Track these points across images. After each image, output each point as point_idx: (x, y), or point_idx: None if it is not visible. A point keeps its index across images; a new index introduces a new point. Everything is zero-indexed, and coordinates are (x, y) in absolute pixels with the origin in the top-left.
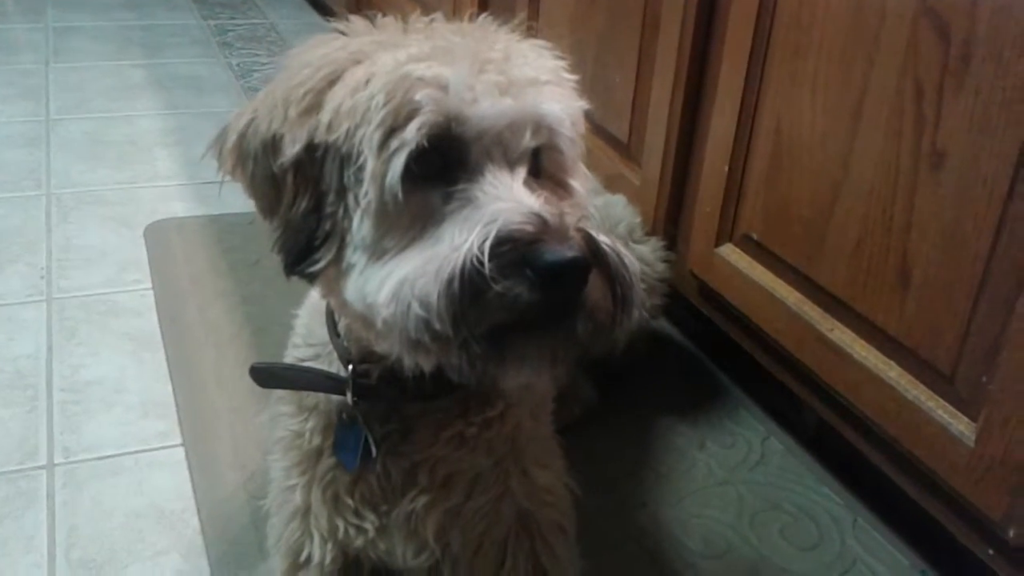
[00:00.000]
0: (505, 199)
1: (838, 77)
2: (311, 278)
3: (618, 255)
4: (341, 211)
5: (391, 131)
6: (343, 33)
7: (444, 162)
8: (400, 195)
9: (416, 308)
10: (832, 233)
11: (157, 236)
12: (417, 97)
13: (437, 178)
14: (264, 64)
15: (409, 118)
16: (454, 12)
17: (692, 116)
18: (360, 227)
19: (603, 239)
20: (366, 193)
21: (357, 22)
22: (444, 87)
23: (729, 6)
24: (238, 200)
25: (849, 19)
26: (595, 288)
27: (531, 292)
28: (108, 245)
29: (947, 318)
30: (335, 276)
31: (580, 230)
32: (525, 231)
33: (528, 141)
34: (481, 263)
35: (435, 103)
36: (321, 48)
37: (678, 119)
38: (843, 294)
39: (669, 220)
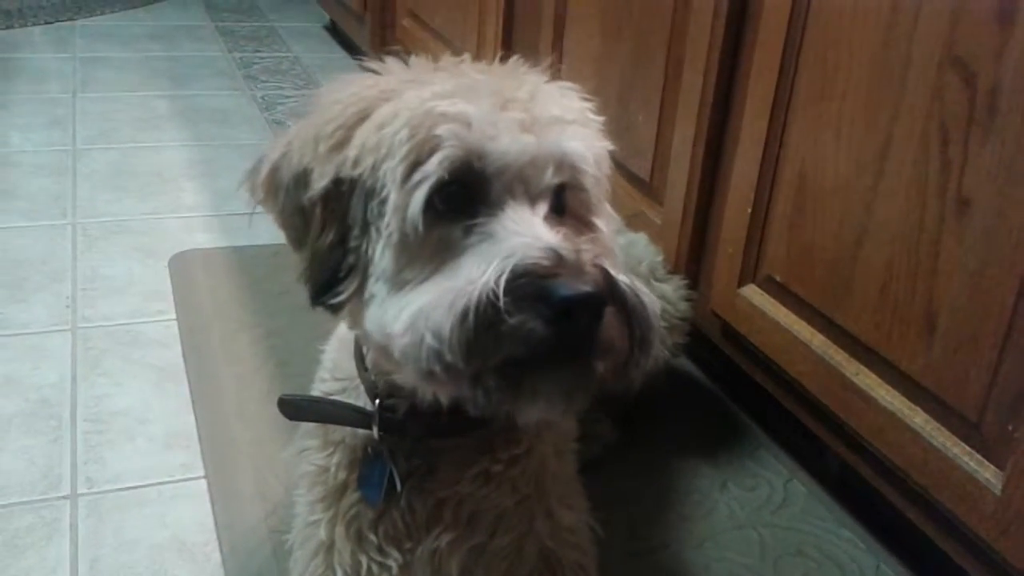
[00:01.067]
0: (523, 234)
1: (863, 121)
2: (334, 309)
3: (636, 294)
4: (365, 244)
5: (414, 165)
6: (376, 72)
7: (466, 197)
8: (421, 227)
9: (429, 339)
10: (857, 277)
11: (182, 267)
12: (439, 132)
13: (459, 212)
14: (289, 97)
15: (432, 152)
16: (478, 50)
17: (715, 156)
18: (382, 259)
19: (622, 277)
20: (388, 225)
21: (390, 61)
22: (467, 123)
23: (754, 48)
24: (263, 232)
25: (875, 64)
26: (611, 326)
27: (545, 327)
28: (133, 275)
29: (973, 365)
30: (358, 308)
31: (597, 266)
32: (541, 265)
33: (550, 178)
34: (496, 296)
35: (457, 138)
36: (353, 86)
37: (701, 159)
38: (868, 338)
39: (691, 260)
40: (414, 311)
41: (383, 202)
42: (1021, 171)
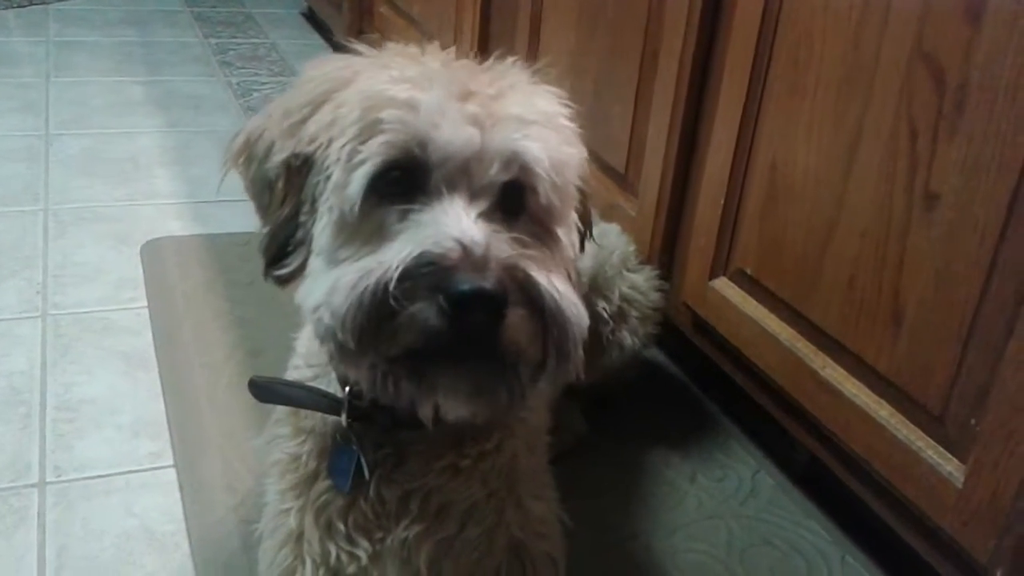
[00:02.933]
0: (444, 225)
1: (833, 117)
2: (281, 281)
3: (557, 302)
4: (311, 220)
5: (358, 146)
6: (355, 53)
7: (408, 184)
8: (357, 208)
9: (327, 318)
10: (825, 270)
11: (154, 254)
12: (383, 116)
13: (398, 198)
14: (264, 84)
15: (375, 135)
16: (456, 40)
17: (689, 149)
18: (321, 235)
19: (545, 284)
20: (328, 202)
21: (367, 46)
22: (415, 110)
23: (727, 43)
24: (235, 219)
25: (845, 60)
26: (517, 328)
27: (439, 318)
28: (104, 262)
29: (938, 359)
30: (301, 282)
31: (510, 267)
32: (447, 257)
33: (495, 174)
34: (391, 282)
35: (402, 124)
36: (328, 66)
37: (675, 152)
38: (835, 332)
39: (664, 251)
40: (328, 287)
41: (327, 179)
42: (988, 166)
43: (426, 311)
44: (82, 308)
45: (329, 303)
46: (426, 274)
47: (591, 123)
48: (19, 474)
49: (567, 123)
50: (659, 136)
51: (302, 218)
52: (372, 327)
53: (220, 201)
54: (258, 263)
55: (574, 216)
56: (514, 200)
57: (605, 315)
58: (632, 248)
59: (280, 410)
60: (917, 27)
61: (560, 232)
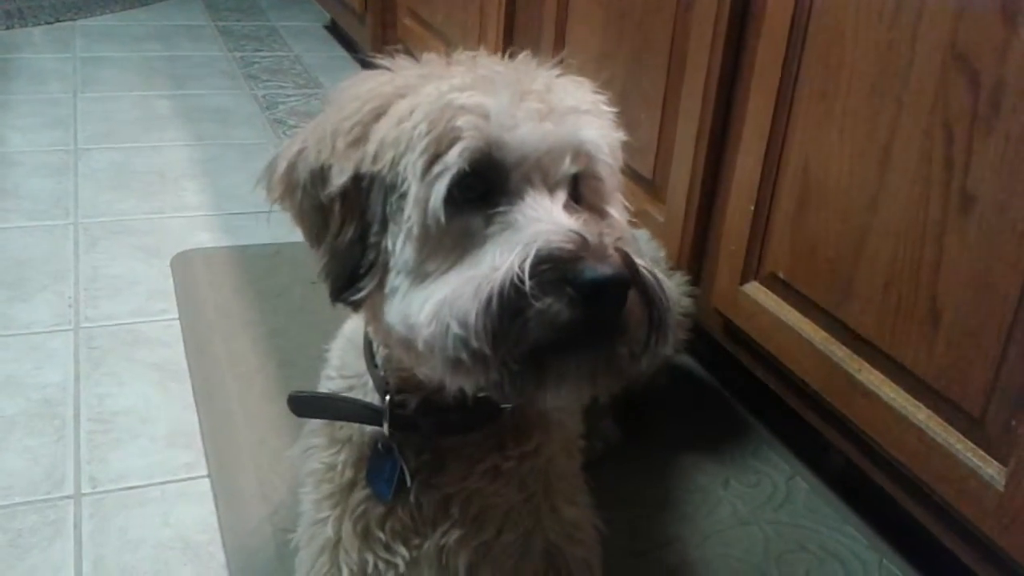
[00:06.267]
0: (545, 221)
1: (866, 119)
2: (355, 305)
3: (655, 277)
4: (385, 240)
5: (434, 157)
6: (389, 69)
7: (486, 187)
8: (442, 219)
9: (455, 327)
10: (860, 274)
11: (184, 266)
12: (459, 124)
13: (479, 202)
14: (289, 96)
15: (451, 144)
16: (480, 48)
17: (718, 154)
18: (403, 252)
19: (640, 261)
20: (409, 218)
21: (402, 59)
22: (485, 114)
23: (757, 45)
24: (264, 231)
25: (878, 62)
26: (633, 309)
27: (571, 309)
28: (135, 275)
29: (976, 361)
30: (379, 302)
31: (619, 250)
32: (565, 249)
33: (568, 167)
34: (521, 280)
35: (476, 129)
36: (368, 83)
37: (703, 157)
38: (871, 335)
39: (694, 257)
40: (438, 301)
41: (403, 196)
42: None
43: (556, 304)
44: (114, 320)
45: (452, 314)
46: (550, 268)
47: (618, 129)
48: (55, 486)
49: (607, 108)
50: (687, 141)
51: (372, 239)
52: (504, 328)
53: (248, 212)
54: (288, 282)
55: (621, 196)
56: (575, 188)
57: None
58: (662, 254)
59: (314, 420)
60: (951, 28)
61: (614, 212)
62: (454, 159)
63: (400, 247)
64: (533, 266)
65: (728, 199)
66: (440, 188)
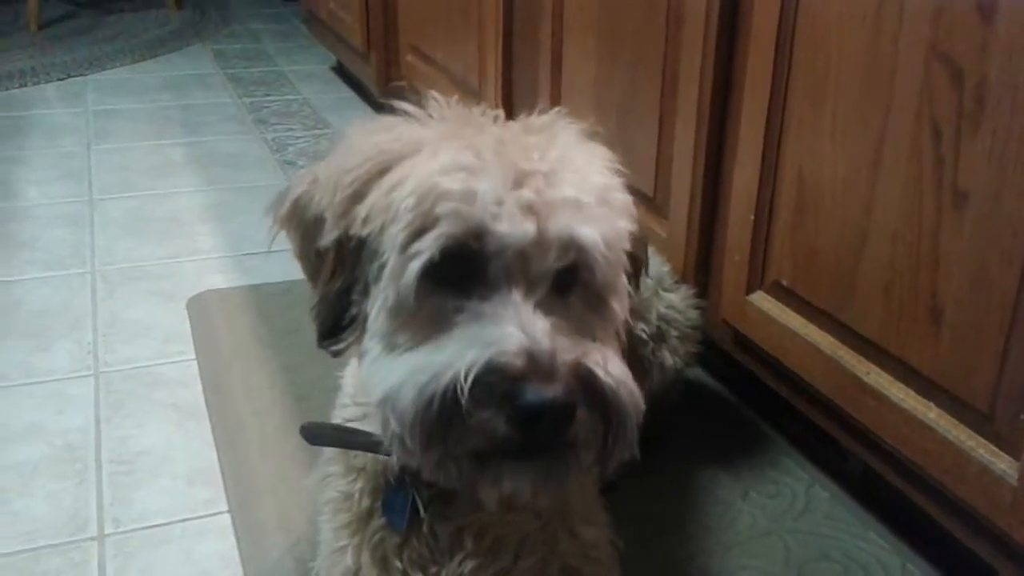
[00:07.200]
0: (509, 322)
1: (856, 122)
2: (335, 355)
3: (615, 392)
4: (366, 302)
5: (414, 235)
6: (406, 115)
7: (465, 271)
8: (413, 298)
9: (394, 423)
10: (861, 277)
11: (199, 308)
12: (438, 210)
13: (455, 285)
14: (299, 138)
15: (432, 226)
16: (480, 82)
17: (715, 168)
18: (377, 318)
19: (607, 378)
20: (384, 288)
21: (417, 110)
22: (471, 201)
23: (746, 58)
24: (276, 269)
25: (863, 66)
26: (584, 426)
27: (508, 426)
28: (152, 319)
29: (981, 356)
30: (360, 355)
31: (576, 365)
32: (513, 365)
33: (552, 262)
34: (462, 392)
35: (458, 216)
36: (377, 136)
37: (702, 171)
38: (876, 337)
39: (699, 270)
40: (391, 385)
41: (382, 266)
42: (1015, 159)
43: (495, 419)
44: (133, 364)
45: (395, 405)
46: (494, 383)
47: (617, 149)
48: (78, 528)
49: (620, 195)
50: (685, 157)
51: (355, 296)
52: (440, 432)
53: (260, 253)
54: (301, 318)
55: (623, 281)
56: (567, 278)
57: (644, 336)
58: (667, 268)
59: (330, 449)
60: (931, 28)
61: (611, 300)
62: (429, 244)
63: (375, 314)
64: (478, 377)
65: (729, 211)
66: (414, 267)
